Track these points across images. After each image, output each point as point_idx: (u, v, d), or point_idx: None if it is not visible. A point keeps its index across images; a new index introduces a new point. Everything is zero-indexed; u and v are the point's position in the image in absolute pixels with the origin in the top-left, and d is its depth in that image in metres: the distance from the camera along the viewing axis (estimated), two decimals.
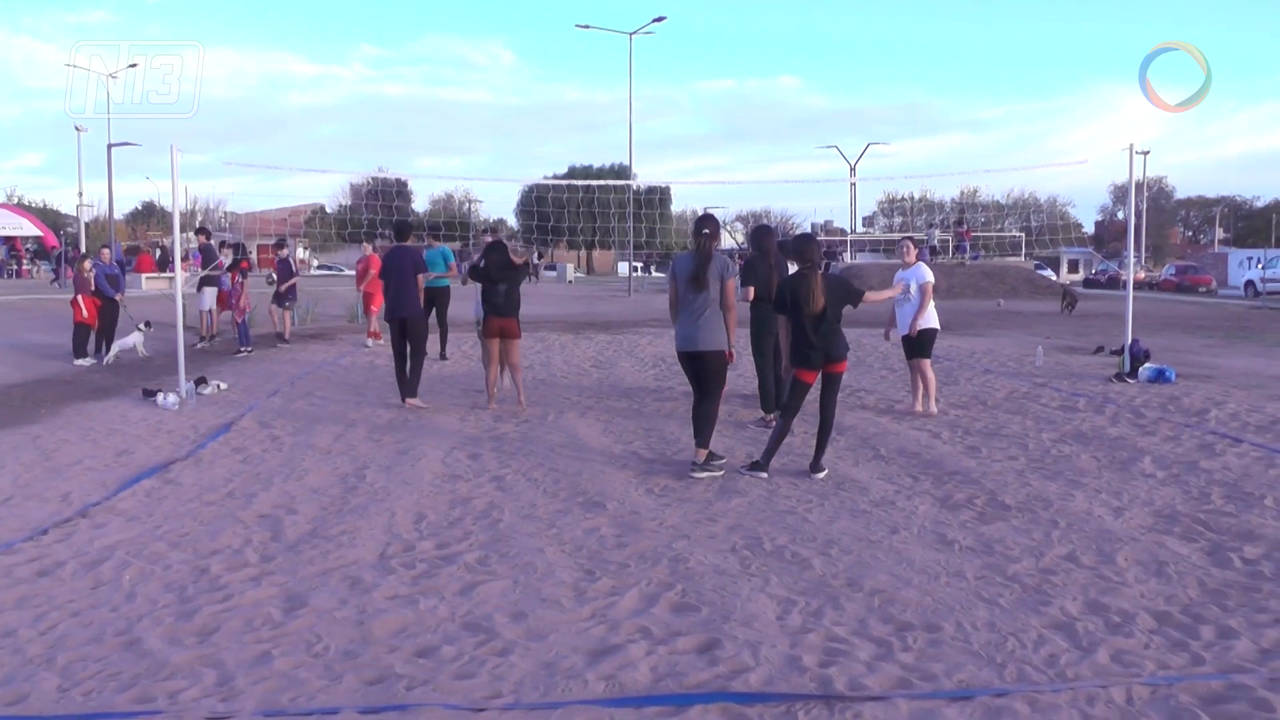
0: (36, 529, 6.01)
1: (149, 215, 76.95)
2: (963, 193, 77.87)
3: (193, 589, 4.94)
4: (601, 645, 4.21)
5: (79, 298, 15.08)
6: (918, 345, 10.08)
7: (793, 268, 8.43)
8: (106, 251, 16.80)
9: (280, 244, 18.60)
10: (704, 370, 7.47)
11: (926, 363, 10.16)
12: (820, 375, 7.45)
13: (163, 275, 31.16)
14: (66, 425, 9.65)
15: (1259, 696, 3.65)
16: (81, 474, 7.54)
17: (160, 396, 10.86)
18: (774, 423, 8.64)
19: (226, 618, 4.54)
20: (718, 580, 5.04)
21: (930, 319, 10.11)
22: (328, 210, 71.84)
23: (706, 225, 7.61)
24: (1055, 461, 7.84)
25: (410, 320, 10.60)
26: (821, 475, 7.31)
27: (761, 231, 10.20)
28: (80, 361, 14.73)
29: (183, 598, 4.82)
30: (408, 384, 10.63)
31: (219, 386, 11.90)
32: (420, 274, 10.71)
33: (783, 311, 7.54)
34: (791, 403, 7.44)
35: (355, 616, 4.54)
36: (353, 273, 51.13)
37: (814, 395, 7.55)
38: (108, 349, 15.18)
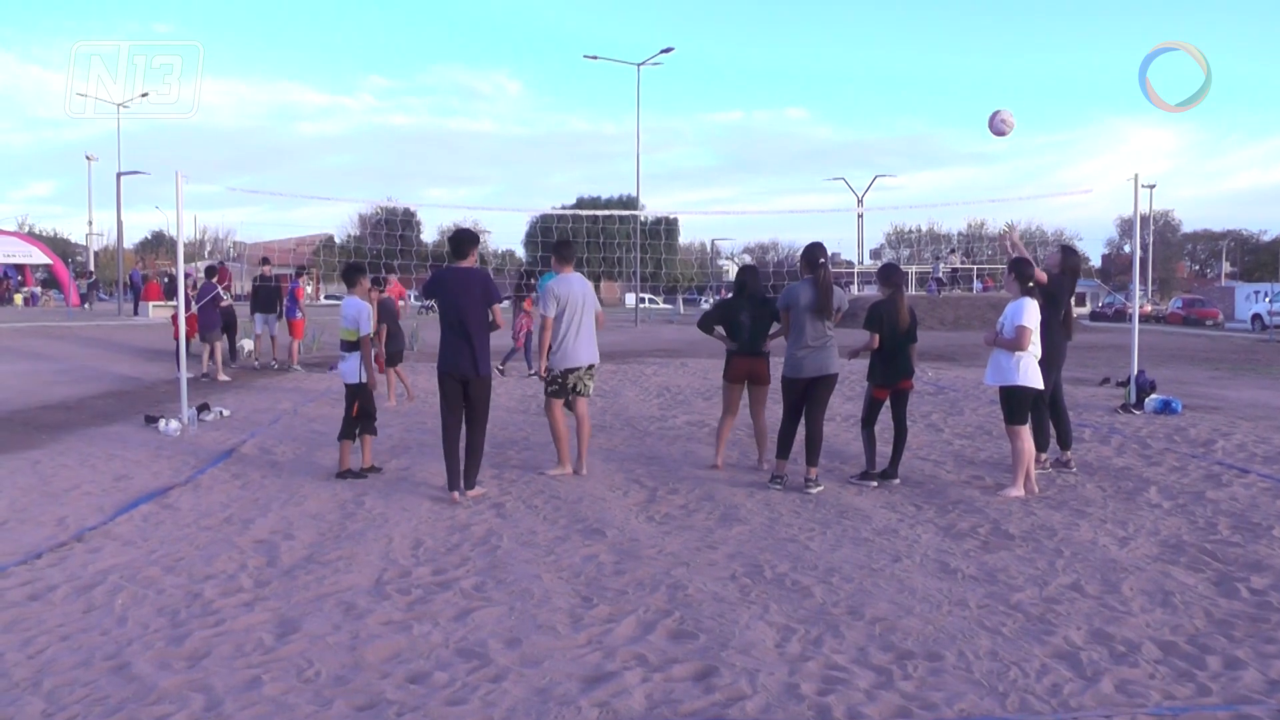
0: (30, 553, 5.96)
1: (158, 244, 77.49)
2: (969, 225, 78.02)
3: (185, 613, 4.89)
4: (597, 672, 4.15)
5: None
6: (1005, 407, 7.83)
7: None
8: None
9: (265, 261, 18.85)
10: (827, 392, 7.94)
11: (1014, 430, 7.72)
12: (891, 392, 8.15)
13: (169, 304, 31.21)
14: (67, 450, 9.63)
15: None
16: (79, 499, 7.51)
17: (162, 423, 10.85)
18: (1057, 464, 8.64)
19: (217, 642, 4.49)
20: (716, 608, 4.97)
21: (1017, 373, 7.62)
22: (336, 240, 72.16)
23: (823, 254, 7.93)
24: (1060, 491, 7.76)
25: (475, 382, 7.50)
26: (877, 484, 7.94)
27: (891, 269, 8.72)
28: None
29: (174, 622, 4.76)
30: (467, 467, 7.55)
31: (221, 413, 11.88)
32: (494, 304, 7.54)
33: (875, 330, 8.01)
34: (869, 416, 8.23)
35: (348, 642, 4.48)
36: None
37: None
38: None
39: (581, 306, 8.16)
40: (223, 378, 16.26)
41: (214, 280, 17.24)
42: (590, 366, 8.33)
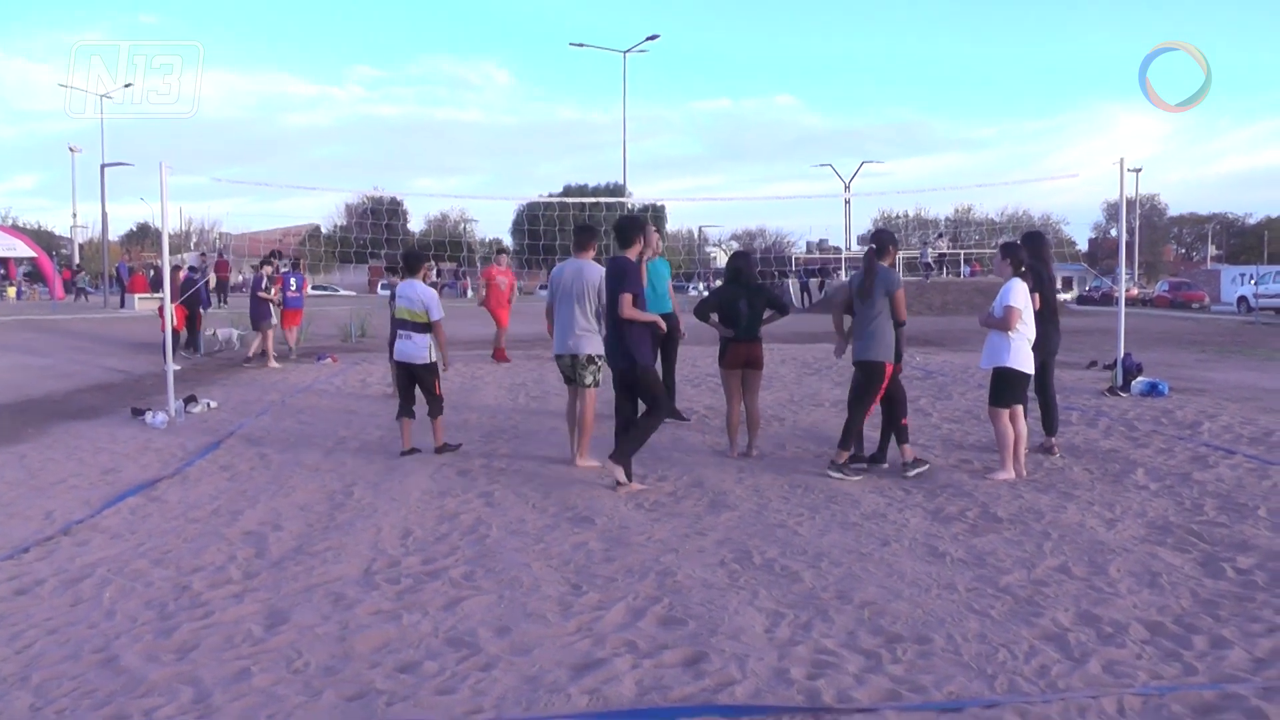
0: (17, 547, 5.93)
1: (144, 236, 77.00)
2: (957, 210, 78.09)
3: (173, 606, 4.87)
4: (586, 659, 4.15)
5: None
6: (990, 388, 7.89)
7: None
8: None
9: (268, 260, 18.85)
10: (863, 377, 7.79)
11: (996, 413, 7.79)
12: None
13: (154, 296, 31.06)
14: (54, 444, 9.58)
15: (1252, 706, 3.60)
16: (66, 492, 7.47)
17: (149, 415, 10.80)
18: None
19: (206, 634, 4.47)
20: (705, 594, 4.98)
21: (1007, 354, 7.70)
22: (323, 230, 71.78)
23: (875, 241, 7.93)
24: (1048, 474, 7.79)
25: (631, 371, 7.55)
26: (866, 468, 7.98)
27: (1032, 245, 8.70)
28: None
29: (163, 615, 4.75)
30: (624, 444, 7.47)
31: (209, 405, 11.84)
32: (631, 294, 7.35)
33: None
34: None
35: (337, 632, 4.48)
36: (348, 293, 51.14)
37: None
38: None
39: (568, 294, 7.95)
40: (274, 364, 17.02)
41: (261, 271, 17.75)
42: (574, 357, 8.02)
